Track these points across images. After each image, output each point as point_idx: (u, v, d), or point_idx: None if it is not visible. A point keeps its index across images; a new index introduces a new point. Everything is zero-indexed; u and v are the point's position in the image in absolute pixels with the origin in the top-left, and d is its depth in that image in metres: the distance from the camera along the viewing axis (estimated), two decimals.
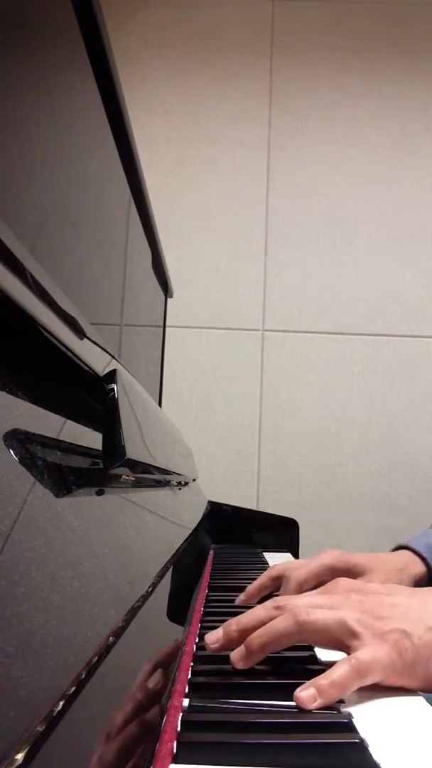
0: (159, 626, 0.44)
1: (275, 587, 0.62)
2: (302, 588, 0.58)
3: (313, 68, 2.08)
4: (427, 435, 1.92)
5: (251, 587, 0.62)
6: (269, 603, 0.44)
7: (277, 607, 0.43)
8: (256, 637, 0.41)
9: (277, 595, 0.59)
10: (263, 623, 0.42)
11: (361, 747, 0.30)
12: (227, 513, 1.29)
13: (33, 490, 0.27)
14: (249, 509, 1.34)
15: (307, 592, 0.48)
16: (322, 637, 0.41)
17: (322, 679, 0.36)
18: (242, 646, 0.41)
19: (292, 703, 0.35)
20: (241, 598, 0.63)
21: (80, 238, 0.67)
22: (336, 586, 0.46)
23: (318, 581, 0.58)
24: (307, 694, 0.35)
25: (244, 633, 0.42)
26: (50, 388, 0.41)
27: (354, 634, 0.40)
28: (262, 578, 0.62)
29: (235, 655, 0.41)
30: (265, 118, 2.07)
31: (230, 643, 0.43)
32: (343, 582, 0.46)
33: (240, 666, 0.40)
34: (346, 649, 0.40)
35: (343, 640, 0.40)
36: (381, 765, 0.28)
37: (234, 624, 0.43)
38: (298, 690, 0.35)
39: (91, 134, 0.71)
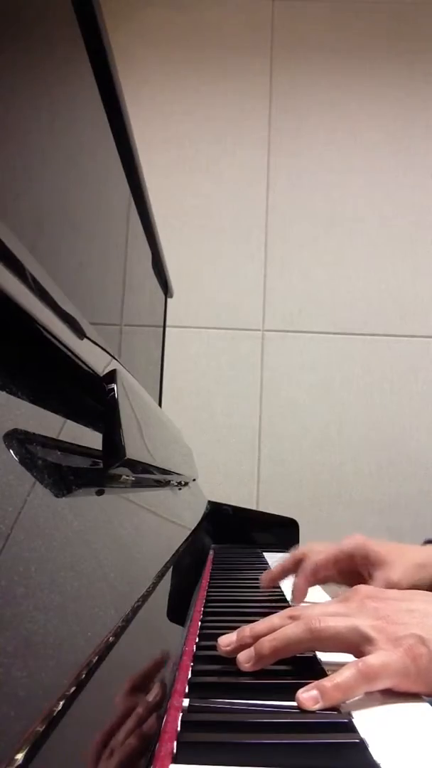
0: (159, 626, 0.44)
1: (297, 568, 0.63)
2: (318, 570, 0.59)
3: (313, 68, 2.08)
4: (427, 435, 1.92)
5: (276, 569, 0.64)
6: (284, 612, 0.45)
7: (291, 616, 0.43)
8: (267, 641, 0.41)
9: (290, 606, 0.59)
10: (276, 629, 0.42)
11: (361, 747, 0.30)
12: (227, 513, 1.29)
13: (33, 490, 0.27)
14: (249, 509, 1.34)
15: (325, 602, 0.48)
16: (335, 643, 0.41)
17: (326, 681, 0.36)
18: (251, 648, 0.41)
19: (293, 703, 0.35)
20: (265, 579, 0.64)
21: (80, 238, 0.67)
22: (355, 594, 0.45)
23: (336, 567, 0.60)
24: (308, 695, 0.35)
25: (257, 639, 0.42)
26: (50, 388, 0.41)
27: (368, 640, 0.39)
28: (287, 561, 0.64)
29: (243, 656, 0.41)
30: (265, 118, 2.07)
31: (242, 648, 0.43)
32: (362, 589, 0.46)
33: (246, 667, 0.41)
34: (361, 656, 0.39)
35: (356, 646, 0.40)
36: (381, 765, 0.28)
37: (248, 630, 0.44)
38: (300, 691, 0.35)
39: (91, 134, 0.71)
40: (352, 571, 0.63)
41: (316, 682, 0.36)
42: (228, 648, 0.43)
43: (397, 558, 0.60)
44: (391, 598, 0.44)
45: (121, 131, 0.79)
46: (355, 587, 0.47)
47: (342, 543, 0.62)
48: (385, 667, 0.37)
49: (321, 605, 0.46)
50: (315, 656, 0.43)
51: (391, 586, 0.57)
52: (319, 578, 0.62)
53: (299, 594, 0.61)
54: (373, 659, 0.37)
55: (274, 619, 0.44)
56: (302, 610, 0.44)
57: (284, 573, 0.63)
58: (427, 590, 0.47)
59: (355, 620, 0.41)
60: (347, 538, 0.62)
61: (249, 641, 0.43)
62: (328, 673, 0.40)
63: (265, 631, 0.43)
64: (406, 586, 0.57)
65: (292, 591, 0.62)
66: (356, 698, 0.37)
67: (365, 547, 0.61)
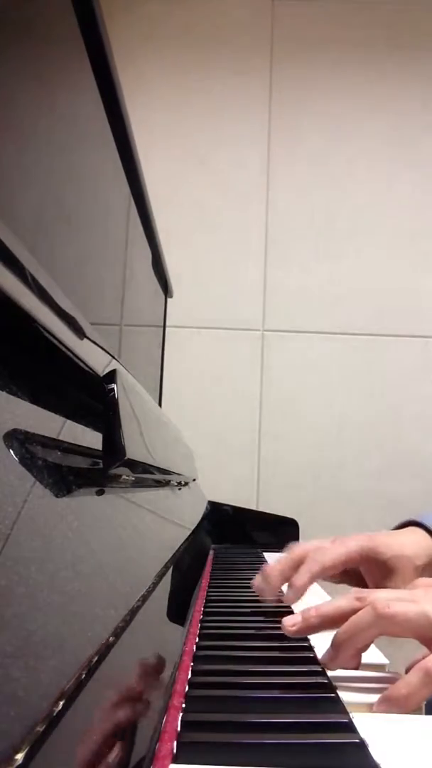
0: (159, 626, 0.44)
1: (295, 571, 0.59)
2: (326, 572, 0.57)
3: (314, 66, 2.08)
4: (427, 435, 1.92)
5: (274, 575, 0.58)
6: (350, 594, 0.45)
7: (359, 599, 0.43)
8: (341, 634, 0.42)
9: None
10: (343, 613, 0.43)
11: (361, 747, 0.30)
12: (227, 513, 1.29)
13: (33, 490, 0.27)
14: (249, 509, 1.34)
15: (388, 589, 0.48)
16: (404, 630, 0.41)
17: (400, 690, 0.36)
18: (330, 647, 0.42)
19: (292, 696, 0.35)
20: (266, 591, 0.58)
21: (80, 238, 0.67)
22: (415, 586, 0.46)
23: (344, 568, 0.58)
24: (383, 708, 0.36)
25: (323, 619, 0.44)
26: (50, 388, 0.41)
27: None
28: (283, 563, 0.59)
29: (325, 657, 0.42)
30: (265, 117, 2.07)
31: (308, 629, 0.44)
32: (422, 581, 0.46)
33: (332, 666, 0.42)
34: (429, 644, 0.40)
35: (426, 633, 0.40)
36: (381, 765, 0.28)
37: (314, 610, 0.45)
38: (375, 705, 0.36)
39: (91, 133, 0.71)
40: (353, 572, 0.62)
41: (388, 692, 0.36)
42: (293, 628, 0.45)
43: (404, 563, 0.60)
44: None
45: (120, 130, 0.79)
46: (414, 581, 0.47)
47: (347, 544, 0.58)
48: None
49: (384, 590, 0.47)
50: (311, 647, 0.43)
51: None
52: (323, 578, 0.60)
53: (299, 593, 0.57)
54: None
55: (341, 601, 0.44)
56: (369, 593, 0.44)
57: (285, 579, 0.59)
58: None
59: (425, 606, 0.40)
60: (350, 539, 0.59)
61: (314, 622, 0.44)
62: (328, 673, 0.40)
63: (332, 612, 0.44)
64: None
65: (291, 586, 0.58)
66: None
67: (374, 549, 0.59)
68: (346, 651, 0.41)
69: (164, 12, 2.09)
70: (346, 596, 0.45)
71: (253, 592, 0.64)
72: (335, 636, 0.42)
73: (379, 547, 0.59)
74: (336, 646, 0.42)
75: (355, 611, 0.42)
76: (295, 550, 0.60)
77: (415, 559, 0.60)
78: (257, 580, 0.59)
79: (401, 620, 0.40)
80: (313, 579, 0.57)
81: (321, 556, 0.57)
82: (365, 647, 0.43)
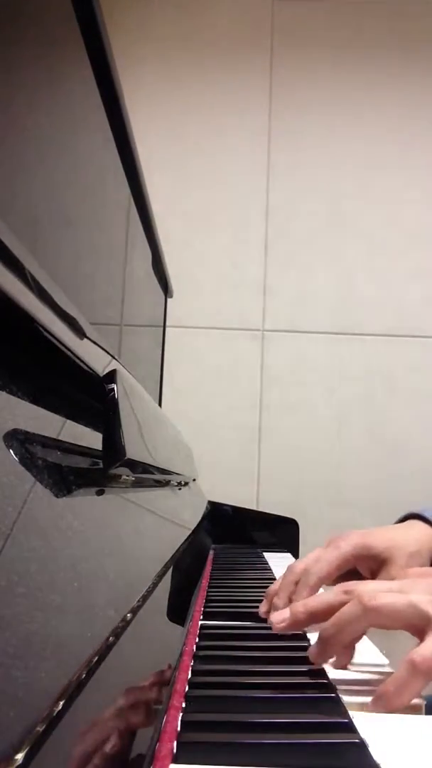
0: (159, 626, 0.44)
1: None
2: (323, 582, 0.56)
3: (313, 66, 2.08)
4: (427, 435, 1.92)
5: (281, 602, 0.55)
6: (337, 588, 0.44)
7: (346, 592, 0.43)
8: (328, 629, 0.41)
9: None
10: (331, 607, 0.42)
11: (361, 747, 0.30)
12: (227, 513, 1.29)
13: (33, 490, 0.27)
14: (249, 509, 1.34)
15: (376, 580, 0.47)
16: (393, 622, 0.40)
17: (389, 686, 0.36)
18: (317, 642, 0.41)
19: (290, 696, 0.35)
20: (277, 618, 0.52)
21: (80, 238, 0.67)
22: (405, 575, 0.45)
23: (340, 572, 0.57)
24: (379, 706, 0.35)
25: (311, 615, 0.43)
26: (50, 388, 0.41)
27: (427, 618, 0.38)
28: (286, 586, 0.56)
29: (313, 651, 0.41)
30: (265, 117, 2.07)
31: (296, 624, 0.43)
32: (413, 571, 0.46)
33: (320, 661, 0.41)
34: (420, 634, 0.39)
35: (414, 624, 0.39)
36: (381, 765, 0.28)
37: (301, 606, 0.44)
38: (371, 703, 0.35)
39: (91, 134, 0.71)
40: (351, 572, 0.61)
41: (380, 689, 0.36)
42: (282, 624, 0.44)
43: (397, 552, 0.59)
44: None
45: (121, 131, 0.79)
46: (407, 570, 0.47)
47: (339, 547, 0.57)
48: None
49: (372, 581, 0.46)
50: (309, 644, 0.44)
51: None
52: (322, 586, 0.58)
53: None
54: (425, 649, 0.36)
55: (328, 595, 0.44)
56: (355, 586, 0.43)
57: (288, 599, 0.55)
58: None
59: (413, 597, 0.40)
60: (340, 539, 0.58)
61: (302, 617, 0.43)
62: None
63: (320, 606, 0.43)
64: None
65: (291, 608, 0.53)
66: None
67: (366, 545, 0.58)
68: (334, 646, 0.41)
69: (164, 13, 2.09)
70: (334, 590, 0.44)
71: (254, 592, 0.65)
72: (322, 630, 0.41)
73: (371, 543, 0.59)
74: (323, 640, 0.41)
75: (343, 605, 0.42)
76: (294, 570, 0.58)
77: (407, 547, 0.59)
78: (264, 608, 0.56)
79: (389, 611, 0.39)
80: (311, 593, 0.54)
81: (316, 569, 0.56)
82: (355, 640, 0.43)
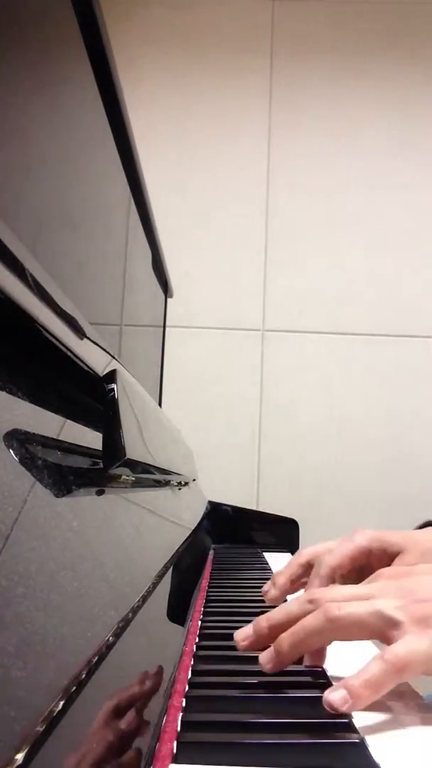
0: (159, 626, 0.44)
1: (306, 574, 0.56)
2: (335, 573, 0.53)
3: (313, 68, 2.08)
4: (427, 435, 1.92)
5: (281, 580, 0.55)
6: (302, 597, 0.41)
7: (311, 601, 0.39)
8: (286, 639, 0.38)
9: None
10: (296, 619, 0.39)
11: (361, 747, 0.30)
12: (227, 513, 1.29)
13: (33, 490, 0.27)
14: (249, 509, 1.34)
15: (345, 585, 0.44)
16: (359, 631, 0.37)
17: (354, 679, 0.33)
18: (271, 648, 0.38)
19: (290, 696, 0.35)
20: (272, 593, 0.55)
21: (80, 238, 0.67)
22: (378, 577, 0.42)
23: (354, 565, 0.53)
24: (337, 696, 0.32)
25: (275, 630, 0.39)
26: (50, 388, 0.41)
27: (393, 624, 0.36)
28: (291, 567, 0.56)
29: (264, 657, 0.38)
30: (265, 118, 2.07)
31: (260, 641, 0.40)
32: (386, 571, 0.43)
33: (269, 669, 0.38)
34: (388, 640, 0.36)
35: (382, 631, 0.36)
36: (381, 765, 0.28)
37: (264, 620, 0.40)
38: (327, 692, 0.33)
39: (91, 134, 0.71)
40: (365, 568, 0.59)
41: (343, 681, 0.33)
42: (245, 643, 0.40)
43: (413, 544, 0.55)
44: (416, 573, 0.41)
45: (120, 131, 0.79)
46: (377, 572, 0.43)
47: (352, 538, 0.54)
48: (414, 655, 0.34)
49: (340, 587, 0.42)
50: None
51: None
52: (334, 581, 0.55)
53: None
54: (399, 647, 0.34)
55: (292, 605, 0.40)
56: (321, 594, 0.40)
57: (293, 584, 0.55)
58: None
59: (378, 603, 0.37)
60: (355, 533, 0.55)
61: (266, 632, 0.40)
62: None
63: (283, 619, 0.40)
64: None
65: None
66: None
67: (382, 538, 0.54)
68: (289, 656, 0.38)
69: (164, 14, 2.09)
70: (297, 599, 0.41)
71: (254, 592, 0.64)
72: (279, 639, 0.38)
73: (386, 535, 0.55)
74: (277, 650, 0.38)
75: (306, 615, 0.38)
76: (303, 553, 0.56)
77: (426, 543, 0.55)
78: (266, 586, 0.56)
79: (354, 621, 0.37)
80: (323, 583, 0.52)
81: (327, 558, 0.53)
82: (319, 649, 0.40)
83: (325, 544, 0.56)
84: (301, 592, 0.54)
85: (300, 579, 0.56)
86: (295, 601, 0.41)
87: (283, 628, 0.39)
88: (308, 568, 0.56)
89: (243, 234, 2.02)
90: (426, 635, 0.35)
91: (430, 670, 0.34)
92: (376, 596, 0.38)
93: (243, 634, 0.41)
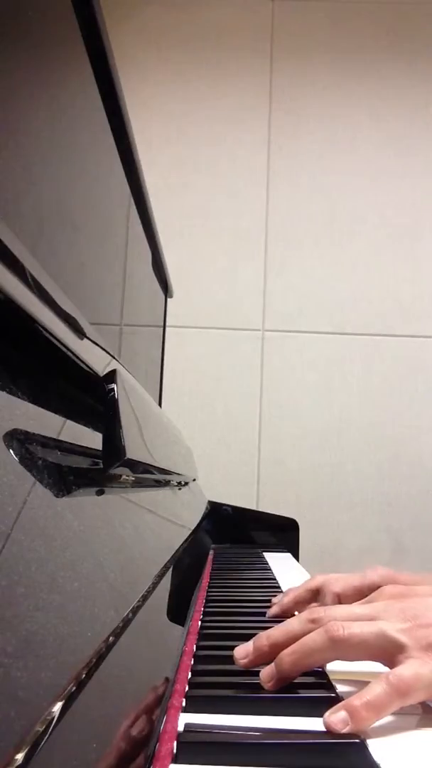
0: (159, 626, 0.44)
1: (313, 599, 0.56)
2: (340, 601, 0.53)
3: (313, 68, 2.08)
4: (427, 435, 1.92)
5: (287, 600, 0.56)
6: (304, 615, 0.41)
7: (313, 620, 0.39)
8: (287, 655, 0.37)
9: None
10: (296, 638, 0.38)
11: (361, 747, 0.30)
12: (227, 513, 1.29)
13: (33, 490, 0.27)
14: (249, 509, 1.34)
15: (347, 605, 0.44)
16: (363, 653, 0.37)
17: (356, 700, 0.32)
18: (272, 665, 0.38)
19: (290, 696, 0.35)
20: (274, 610, 0.56)
21: (80, 238, 0.67)
22: (380, 595, 0.42)
23: (359, 596, 0.52)
24: (337, 718, 0.31)
25: (276, 647, 0.39)
26: (50, 388, 0.41)
27: (398, 647, 0.36)
28: (299, 589, 0.56)
29: (265, 674, 0.38)
30: (265, 118, 2.07)
31: (260, 658, 0.39)
32: (388, 589, 0.42)
33: (270, 687, 0.37)
34: (391, 663, 0.36)
35: (386, 654, 0.36)
36: (381, 765, 0.28)
37: (265, 638, 0.40)
38: (327, 713, 0.32)
39: (91, 134, 0.71)
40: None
41: (344, 702, 0.32)
42: (245, 660, 0.40)
43: (421, 582, 0.53)
44: (420, 594, 0.40)
45: (121, 131, 0.79)
46: (379, 589, 0.43)
47: (364, 573, 0.54)
48: (419, 679, 0.33)
49: (344, 607, 0.42)
50: None
51: None
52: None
53: None
54: (404, 670, 0.34)
55: (294, 623, 0.40)
56: (324, 613, 0.40)
57: (297, 604, 0.55)
58: None
59: (382, 625, 0.37)
60: (368, 569, 0.55)
61: (266, 650, 0.39)
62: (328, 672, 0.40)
63: (283, 638, 0.39)
64: None
65: None
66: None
67: (393, 577, 0.53)
68: (290, 675, 0.37)
69: (163, 14, 2.09)
70: (299, 617, 0.41)
71: (254, 592, 0.65)
72: (280, 657, 0.37)
73: (400, 576, 0.54)
74: (278, 668, 0.37)
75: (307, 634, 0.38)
76: (317, 577, 0.57)
77: None
78: (274, 600, 0.57)
79: (357, 642, 0.36)
80: (324, 605, 0.53)
81: (334, 586, 0.53)
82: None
83: (337, 574, 0.56)
84: None
85: (306, 604, 0.56)
86: (296, 619, 0.41)
87: (283, 646, 0.39)
88: (317, 594, 0.56)
89: (243, 234, 2.02)
90: (430, 661, 0.34)
91: None
92: (379, 617, 0.38)
93: (243, 652, 0.41)
